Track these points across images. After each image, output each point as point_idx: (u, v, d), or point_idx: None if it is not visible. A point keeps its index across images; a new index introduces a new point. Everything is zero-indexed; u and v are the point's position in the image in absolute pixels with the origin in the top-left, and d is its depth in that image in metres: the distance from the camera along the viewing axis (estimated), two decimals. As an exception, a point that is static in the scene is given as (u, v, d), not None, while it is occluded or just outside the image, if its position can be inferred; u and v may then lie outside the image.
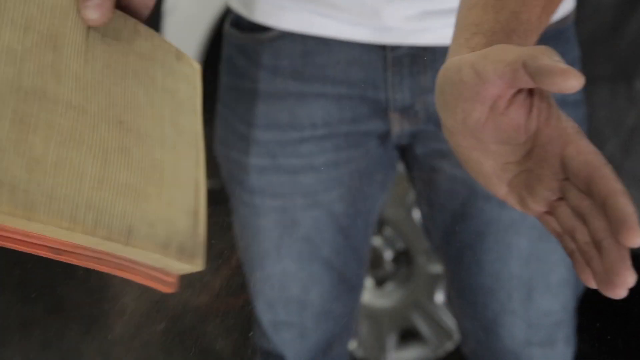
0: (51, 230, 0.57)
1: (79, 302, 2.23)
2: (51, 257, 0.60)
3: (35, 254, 0.59)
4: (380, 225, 1.73)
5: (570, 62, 0.97)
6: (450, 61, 0.52)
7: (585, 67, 1.07)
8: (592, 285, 0.49)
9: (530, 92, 0.51)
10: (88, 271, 2.24)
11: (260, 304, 1.06)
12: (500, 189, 0.53)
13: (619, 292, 0.46)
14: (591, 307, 1.23)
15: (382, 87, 0.94)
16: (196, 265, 0.68)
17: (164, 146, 0.67)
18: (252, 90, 0.96)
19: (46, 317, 2.18)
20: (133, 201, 0.62)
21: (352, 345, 1.76)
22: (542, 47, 0.48)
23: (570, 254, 0.50)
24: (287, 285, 1.03)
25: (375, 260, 1.74)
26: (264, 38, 0.95)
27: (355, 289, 1.10)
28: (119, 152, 0.61)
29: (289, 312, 1.05)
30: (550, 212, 0.52)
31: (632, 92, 1.40)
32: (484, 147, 0.52)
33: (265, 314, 1.06)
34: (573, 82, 0.46)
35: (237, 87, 0.99)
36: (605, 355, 1.79)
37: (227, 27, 1.01)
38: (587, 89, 1.08)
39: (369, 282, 1.77)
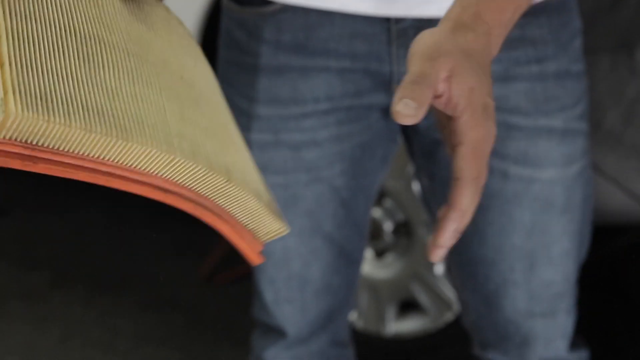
0: (152, 159, 0.55)
1: (81, 273, 2.24)
2: (157, 198, 0.58)
3: (142, 194, 0.57)
4: (380, 196, 1.73)
5: (571, 34, 0.97)
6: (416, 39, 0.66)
7: (587, 38, 1.07)
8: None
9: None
10: (91, 242, 2.25)
11: (262, 281, 1.06)
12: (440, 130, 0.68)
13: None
14: (591, 279, 1.24)
15: (386, 60, 0.93)
16: (284, 225, 0.66)
17: (224, 113, 0.67)
18: (253, 64, 0.96)
19: (48, 288, 2.18)
20: (219, 145, 0.61)
21: (352, 316, 1.77)
22: (410, 80, 0.62)
23: None
24: (289, 262, 1.03)
25: (375, 232, 1.75)
26: (265, 12, 0.94)
27: (355, 262, 1.10)
28: (189, 100, 0.61)
29: (290, 288, 1.05)
30: None
31: (633, 63, 1.39)
32: None
33: (267, 291, 1.06)
34: (400, 117, 0.60)
35: (237, 61, 0.98)
36: (605, 327, 1.80)
37: (225, 0, 1.00)
38: (588, 60, 1.08)
39: (368, 254, 1.77)
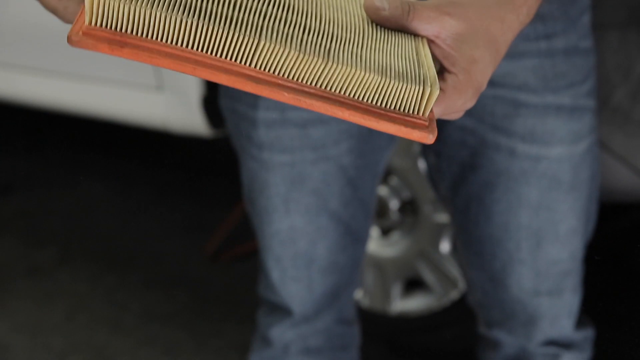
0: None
1: (87, 250, 2.24)
2: (254, 90, 0.59)
3: (236, 86, 0.59)
4: (387, 174, 1.73)
5: (580, 10, 0.95)
6: None
7: (596, 13, 1.06)
8: None
9: None
10: (97, 219, 2.24)
11: (268, 260, 1.06)
12: None
13: None
14: (598, 257, 1.23)
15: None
16: (430, 87, 0.63)
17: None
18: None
19: (54, 265, 2.19)
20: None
21: (358, 294, 1.77)
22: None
23: None
24: (295, 240, 1.03)
25: (381, 210, 1.74)
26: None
27: (361, 240, 1.10)
28: None
29: (297, 266, 1.05)
30: None
31: (642, 39, 1.38)
32: None
33: (273, 269, 1.06)
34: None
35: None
36: (611, 305, 1.79)
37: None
38: (597, 35, 1.06)
39: (374, 232, 1.77)
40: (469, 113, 0.96)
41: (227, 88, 1.02)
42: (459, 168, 1.00)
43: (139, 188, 2.52)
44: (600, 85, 1.23)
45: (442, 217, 1.67)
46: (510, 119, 0.94)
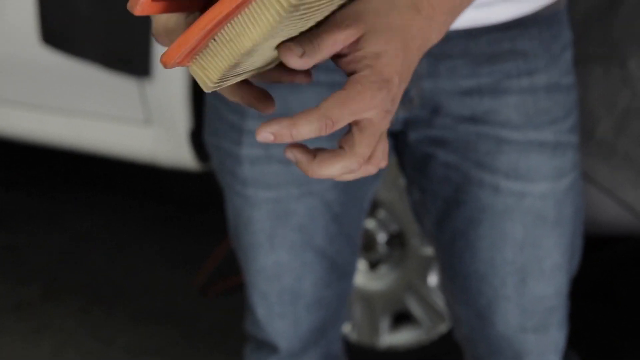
0: None
1: (74, 285, 2.23)
2: None
3: None
4: (374, 207, 1.73)
5: (562, 47, 0.96)
6: None
7: (579, 47, 1.07)
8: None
9: None
10: (84, 254, 2.24)
11: (254, 296, 1.06)
12: None
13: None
14: (583, 291, 1.24)
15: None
16: (213, 81, 0.62)
17: None
18: (243, 79, 0.95)
19: (41, 301, 2.18)
20: None
21: (346, 328, 1.76)
22: (316, 34, 0.62)
23: None
24: (281, 276, 1.03)
25: (369, 243, 1.74)
26: (255, 26, 0.94)
27: (347, 275, 1.10)
28: None
29: (283, 302, 1.04)
30: None
31: (625, 73, 1.39)
32: None
33: (259, 306, 1.05)
34: (285, 53, 0.61)
35: (227, 75, 0.98)
36: (597, 338, 1.79)
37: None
38: (581, 69, 1.08)
39: (362, 265, 1.76)
40: (452, 149, 0.96)
41: (211, 124, 1.03)
42: (443, 204, 1.00)
43: (127, 222, 2.51)
44: (584, 117, 1.24)
45: (430, 250, 1.67)
46: (493, 156, 0.95)
